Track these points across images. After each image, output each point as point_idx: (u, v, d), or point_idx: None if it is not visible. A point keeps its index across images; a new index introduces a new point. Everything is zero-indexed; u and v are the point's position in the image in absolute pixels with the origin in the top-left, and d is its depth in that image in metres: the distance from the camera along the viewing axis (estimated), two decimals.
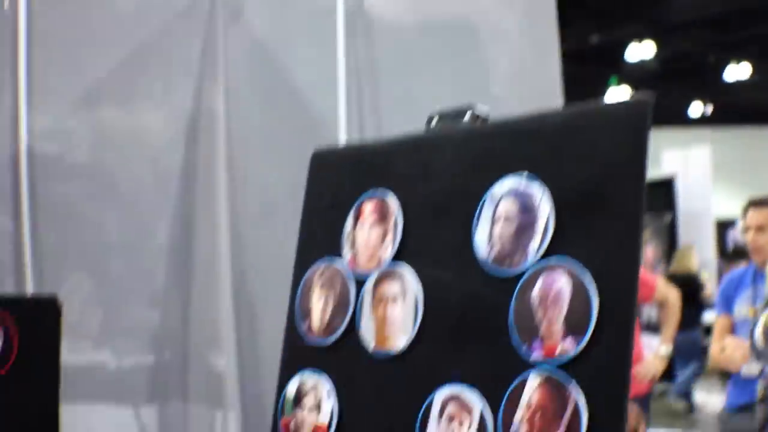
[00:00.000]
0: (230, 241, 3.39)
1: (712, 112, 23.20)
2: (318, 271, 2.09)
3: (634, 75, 18.73)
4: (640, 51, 17.65)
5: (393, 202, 1.97)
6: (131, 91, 3.49)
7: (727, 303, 5.14)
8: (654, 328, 7.87)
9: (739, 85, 20.24)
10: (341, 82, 3.64)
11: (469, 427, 1.69)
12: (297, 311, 2.11)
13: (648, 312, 9.84)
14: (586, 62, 17.47)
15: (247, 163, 3.47)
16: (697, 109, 22.96)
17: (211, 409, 3.46)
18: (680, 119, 22.33)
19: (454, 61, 3.79)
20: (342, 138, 3.52)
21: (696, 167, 15.33)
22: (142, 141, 3.50)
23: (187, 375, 3.45)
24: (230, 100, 3.46)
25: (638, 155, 1.64)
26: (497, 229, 1.77)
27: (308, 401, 2.00)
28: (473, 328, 1.76)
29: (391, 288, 1.91)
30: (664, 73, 18.81)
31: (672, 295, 6.25)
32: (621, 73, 19.15)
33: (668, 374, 10.41)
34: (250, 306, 3.46)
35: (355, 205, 2.05)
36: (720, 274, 12.57)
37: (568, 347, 1.61)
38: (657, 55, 17.89)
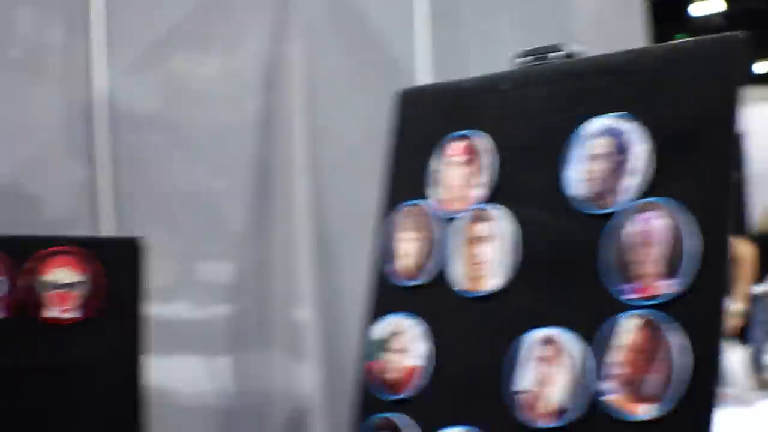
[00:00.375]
0: (309, 189, 3.36)
1: None
2: (404, 212, 2.05)
3: (700, 33, 18.35)
4: (707, 8, 17.37)
5: (482, 142, 1.94)
6: (206, 38, 3.45)
7: None
8: None
9: None
10: (419, 24, 3.58)
11: (564, 369, 1.67)
12: (383, 253, 2.08)
13: None
14: (652, 19, 17.22)
15: (325, 108, 3.42)
16: (764, 67, 22.56)
17: (290, 359, 3.45)
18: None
19: (537, 3, 3.71)
20: (420, 81, 3.47)
21: (763, 125, 15.05)
22: (218, 88, 3.46)
23: (266, 325, 3.44)
24: (307, 44, 3.42)
25: (732, 92, 1.60)
26: (591, 167, 1.73)
27: (397, 343, 1.97)
28: (567, 269, 1.73)
29: (483, 228, 1.88)
30: (730, 31, 18.46)
31: (746, 251, 6.16)
32: (686, 30, 18.85)
33: (741, 333, 10.23)
34: (331, 253, 3.42)
35: (443, 144, 2.02)
36: None
37: (664, 288, 1.57)
38: (724, 13, 17.59)
